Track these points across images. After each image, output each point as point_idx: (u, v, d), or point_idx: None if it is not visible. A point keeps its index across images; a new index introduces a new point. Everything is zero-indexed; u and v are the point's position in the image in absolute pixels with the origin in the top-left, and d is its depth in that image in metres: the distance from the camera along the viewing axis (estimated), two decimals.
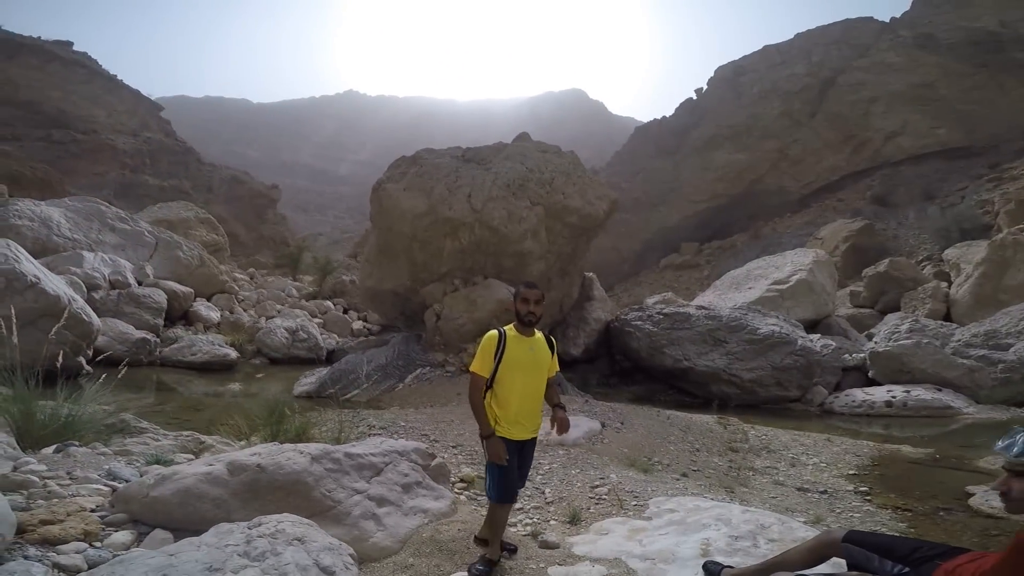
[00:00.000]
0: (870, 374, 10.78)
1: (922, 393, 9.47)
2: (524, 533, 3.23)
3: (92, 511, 2.58)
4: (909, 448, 6.60)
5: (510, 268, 10.63)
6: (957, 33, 30.90)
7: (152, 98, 46.76)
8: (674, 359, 10.66)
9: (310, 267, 24.69)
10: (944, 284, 15.95)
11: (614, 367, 12.19)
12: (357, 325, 17.53)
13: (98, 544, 2.35)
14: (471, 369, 2.81)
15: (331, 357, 13.01)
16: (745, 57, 38.59)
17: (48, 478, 2.91)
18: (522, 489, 3.19)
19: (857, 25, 36.01)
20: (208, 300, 15.65)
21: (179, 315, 13.86)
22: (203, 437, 4.88)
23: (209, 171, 42.21)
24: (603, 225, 11.95)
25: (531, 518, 3.49)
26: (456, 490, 3.73)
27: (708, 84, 39.61)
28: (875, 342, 11.03)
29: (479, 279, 10.75)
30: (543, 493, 3.94)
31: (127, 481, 2.95)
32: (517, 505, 3.67)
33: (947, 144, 29.55)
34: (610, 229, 30.62)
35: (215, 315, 14.91)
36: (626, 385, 11.50)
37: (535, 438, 2.99)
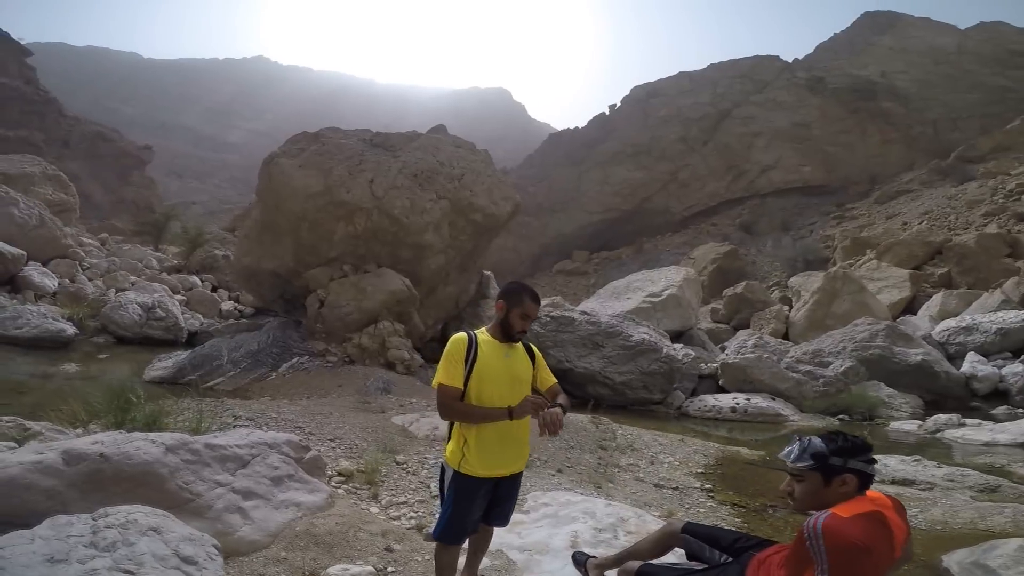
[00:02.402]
0: (720, 382, 12.05)
1: (760, 401, 10.73)
2: (409, 527, 3.23)
3: None
4: (746, 450, 7.34)
5: (407, 259, 10.45)
6: (844, 79, 34.95)
7: (22, 42, 40.12)
8: (557, 360, 11.18)
9: (178, 237, 22.17)
10: (786, 307, 18.37)
11: None
12: (227, 306, 16.11)
13: None
14: (438, 383, 2.29)
15: (193, 340, 11.87)
16: (660, 80, 41.19)
17: None
18: (503, 524, 2.56)
19: (763, 62, 39.40)
20: (44, 265, 13.49)
21: (3, 280, 11.81)
22: (29, 423, 4.22)
23: (70, 124, 36.62)
24: (505, 226, 12.21)
25: (416, 512, 3.50)
26: (333, 484, 3.62)
27: (621, 102, 41.82)
28: (726, 354, 12.41)
29: (372, 267, 10.41)
30: (428, 487, 3.96)
31: None
32: (401, 498, 3.64)
33: (808, 181, 33.40)
34: (512, 230, 31.29)
35: (51, 282, 12.91)
36: None
37: (520, 473, 2.47)
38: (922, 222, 23.64)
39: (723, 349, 14.01)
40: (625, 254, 33.10)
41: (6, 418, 4.30)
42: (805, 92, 35.11)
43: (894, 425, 8.91)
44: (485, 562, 2.76)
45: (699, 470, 6.01)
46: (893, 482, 5.43)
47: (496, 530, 2.59)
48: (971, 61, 35.77)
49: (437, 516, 2.37)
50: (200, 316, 14.02)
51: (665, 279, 15.93)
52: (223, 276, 18.15)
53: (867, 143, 33.30)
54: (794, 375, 11.67)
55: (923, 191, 26.96)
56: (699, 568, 2.23)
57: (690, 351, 13.30)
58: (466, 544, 2.46)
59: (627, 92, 42.33)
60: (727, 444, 7.76)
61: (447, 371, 2.29)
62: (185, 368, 9.24)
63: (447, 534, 2.26)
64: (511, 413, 2.17)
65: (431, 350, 11.72)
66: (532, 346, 2.56)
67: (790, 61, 40.60)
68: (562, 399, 2.38)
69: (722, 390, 11.77)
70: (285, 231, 10.47)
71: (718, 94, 37.36)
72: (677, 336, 14.74)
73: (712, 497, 5.00)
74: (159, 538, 1.75)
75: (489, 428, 2.25)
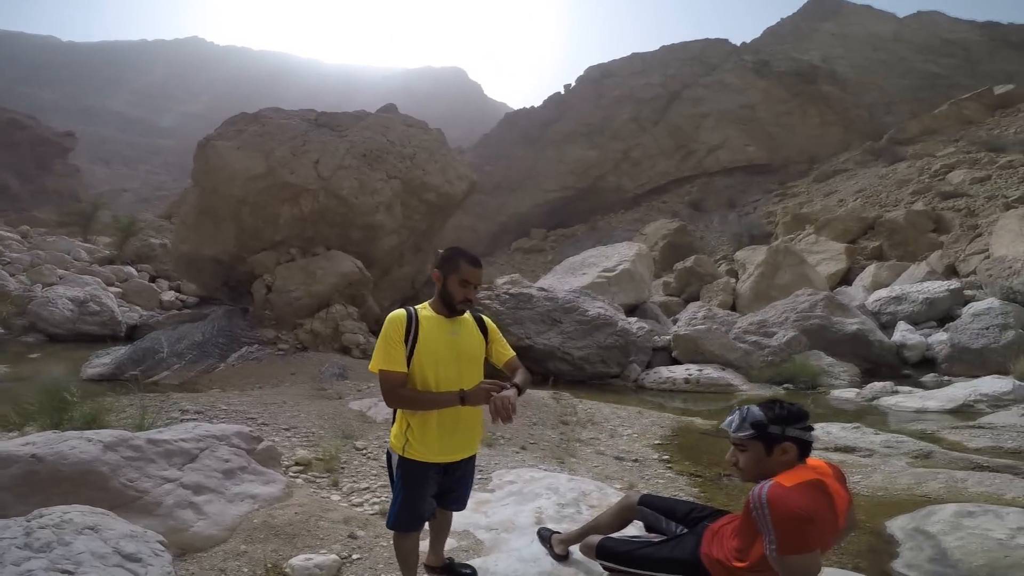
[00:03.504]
0: (673, 354, 12.41)
1: (711, 372, 11.06)
2: (373, 512, 3.18)
3: None
4: (700, 420, 7.53)
5: (358, 240, 10.16)
6: (787, 63, 36.22)
7: None
8: (517, 337, 11.21)
9: (108, 227, 20.76)
10: (733, 280, 19.07)
11: None
12: (168, 296, 15.31)
13: None
14: (376, 368, 2.07)
15: (134, 333, 11.21)
16: (614, 61, 41.28)
17: None
18: (460, 512, 2.50)
19: (713, 45, 40.22)
20: None
21: None
22: None
23: None
24: (461, 205, 12.06)
25: (378, 497, 3.45)
26: (291, 474, 3.51)
27: (576, 82, 41.74)
28: (678, 326, 12.77)
29: (321, 250, 10.07)
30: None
31: None
32: (363, 484, 3.57)
33: (753, 160, 34.69)
34: (469, 209, 31.02)
35: None
36: None
37: (473, 456, 2.30)
38: (856, 199, 24.93)
39: (675, 321, 14.40)
40: (580, 231, 33.48)
41: None
42: (752, 75, 36.13)
43: (835, 393, 9.23)
44: (451, 543, 2.75)
45: (657, 441, 6.15)
46: (837, 449, 5.63)
47: (463, 510, 2.52)
48: (906, 48, 37.77)
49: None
50: (139, 309, 13.28)
51: (618, 255, 16.20)
52: (161, 265, 17.17)
53: (807, 125, 34.69)
54: (742, 345, 12.09)
55: (858, 171, 28.39)
56: (656, 540, 2.26)
57: (644, 324, 13.55)
58: (428, 528, 2.38)
59: (581, 72, 42.44)
60: (682, 415, 7.92)
61: (386, 354, 2.06)
62: (125, 363, 8.75)
63: (400, 522, 2.13)
64: (463, 398, 2.01)
65: None
66: (484, 318, 2.35)
67: (739, 45, 41.67)
68: (520, 376, 2.23)
69: (676, 362, 12.04)
70: (225, 216, 9.95)
71: (669, 76, 37.93)
72: (631, 310, 15.03)
73: (670, 468, 5.11)
74: (97, 536, 1.65)
75: (433, 412, 2.07)
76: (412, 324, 2.09)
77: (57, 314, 10.63)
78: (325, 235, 10.12)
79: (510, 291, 12.02)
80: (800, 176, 31.88)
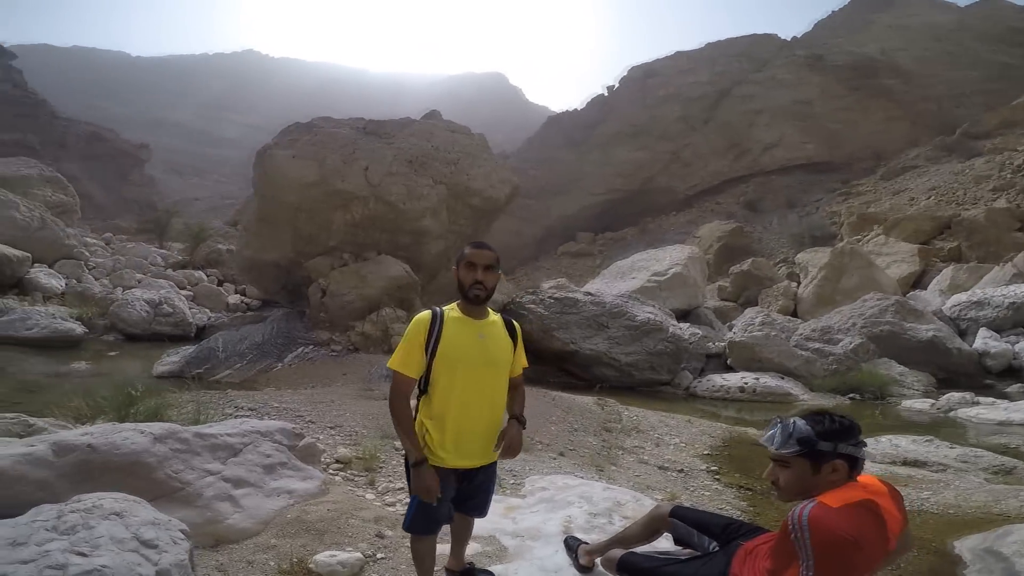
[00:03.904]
0: (728, 361, 11.96)
1: (768, 380, 10.60)
2: (403, 513, 3.16)
3: None
4: (754, 431, 7.17)
5: (406, 245, 10.40)
6: (843, 57, 34.62)
7: (6, 45, 39.81)
8: (563, 342, 11.12)
9: (181, 234, 22.28)
10: (794, 284, 18.18)
11: None
12: (233, 299, 16.18)
13: None
14: (391, 366, 2.04)
15: (202, 334, 11.90)
16: (657, 60, 40.67)
17: None
18: (481, 519, 2.41)
19: (761, 40, 39.18)
20: (50, 267, 13.59)
21: (11, 283, 11.93)
22: (33, 420, 4.25)
23: (64, 126, 36.58)
24: (504, 209, 12.11)
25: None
26: (331, 471, 3.59)
27: (619, 82, 41.32)
28: (733, 333, 12.29)
29: (371, 254, 10.37)
30: None
31: None
32: (398, 484, 3.60)
33: (812, 158, 33.24)
34: (515, 213, 31.18)
35: (58, 283, 13.01)
36: None
37: (492, 464, 2.22)
38: (929, 197, 23.36)
39: (731, 327, 13.89)
40: (630, 234, 32.89)
41: (10, 415, 4.33)
42: (805, 70, 34.74)
43: (906, 404, 8.73)
44: (476, 548, 2.72)
45: (705, 451, 5.91)
46: (905, 463, 5.28)
47: (491, 516, 2.50)
48: (971, 38, 35.20)
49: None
50: (207, 310, 14.08)
51: (670, 258, 15.78)
52: (228, 270, 18.22)
53: (870, 120, 32.97)
54: (803, 353, 11.53)
55: (929, 167, 26.78)
56: (683, 558, 2.11)
57: (697, 330, 13.16)
58: (449, 531, 2.35)
59: (624, 72, 41.87)
60: (735, 425, 7.63)
61: (403, 354, 2.01)
62: (192, 362, 9.29)
63: (416, 525, 2.10)
64: (415, 465, 1.99)
65: None
66: (515, 324, 2.26)
67: (788, 39, 40.09)
68: (518, 401, 2.21)
69: (731, 369, 11.66)
70: (283, 222, 10.45)
71: (717, 73, 36.95)
72: (684, 315, 14.61)
73: (717, 479, 4.89)
74: (120, 522, 1.74)
75: (451, 419, 2.02)
76: (436, 325, 2.03)
77: (134, 315, 11.43)
78: (376, 240, 10.42)
79: (555, 295, 11.94)
80: (865, 174, 30.24)
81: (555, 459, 4.81)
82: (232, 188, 53.99)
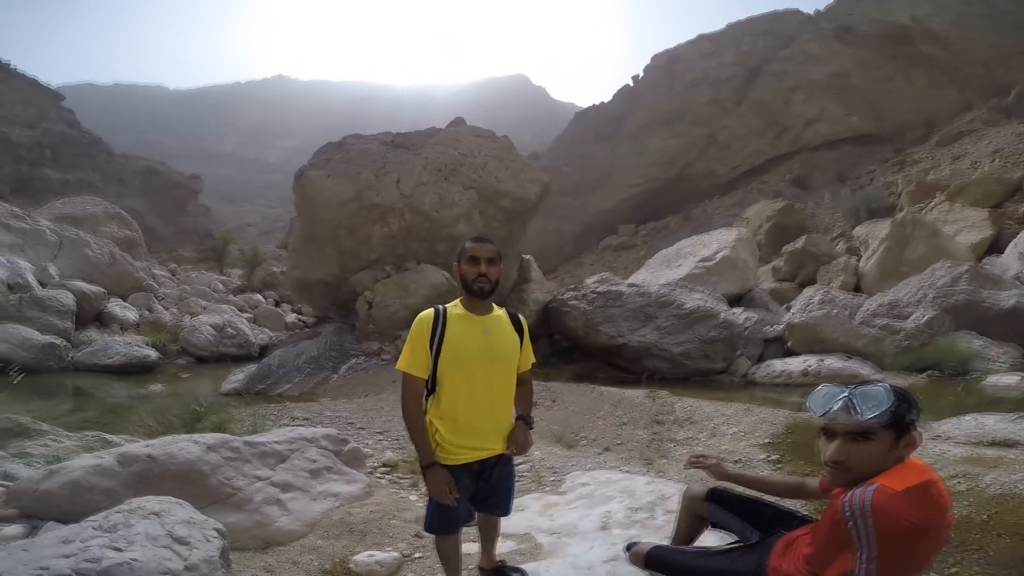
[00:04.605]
0: (788, 345, 11.39)
1: (834, 362, 10.00)
2: None
3: None
4: None
5: (444, 252, 10.54)
6: (872, 26, 33.10)
7: (52, 87, 42.40)
8: (609, 336, 10.95)
9: (238, 260, 23.53)
10: (854, 258, 17.16)
11: (554, 347, 12.40)
12: (290, 318, 16.94)
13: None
14: (399, 368, 2.04)
15: (264, 352, 12.49)
16: (679, 46, 39.71)
17: None
18: (505, 517, 2.38)
19: (784, 16, 37.81)
20: (124, 300, 14.64)
21: (91, 317, 12.93)
22: (109, 436, 4.59)
23: (121, 163, 39.00)
24: (536, 208, 12.06)
25: None
26: (378, 474, 3.68)
27: (644, 71, 40.54)
28: (791, 314, 11.68)
29: (411, 264, 10.59)
30: None
31: None
32: None
33: (858, 131, 31.80)
34: (551, 212, 31.09)
35: (132, 315, 13.97)
36: (566, 364, 11.73)
37: (508, 461, 2.19)
38: (994, 160, 21.67)
39: (788, 309, 13.27)
40: (673, 222, 32.08)
41: (91, 433, 4.71)
42: (835, 42, 33.27)
43: (992, 379, 7.99)
44: (510, 545, 2.69)
45: (765, 440, 5.60)
46: (993, 443, 4.77)
47: (528, 513, 2.55)
48: (1004, 1, 32.50)
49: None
50: (267, 330, 14.78)
51: (716, 242, 15.25)
52: (284, 291, 19.07)
53: (915, 88, 31.23)
54: (870, 330, 10.84)
55: (987, 130, 25.02)
56: (717, 549, 1.93)
57: (752, 314, 12.64)
58: (478, 531, 2.34)
59: (647, 61, 41.04)
60: (799, 411, 7.25)
61: (408, 355, 2.00)
62: (255, 379, 9.77)
63: (436, 525, 2.09)
64: (426, 469, 1.98)
65: None
66: (521, 317, 2.22)
67: (811, 13, 38.37)
68: (526, 400, 2.16)
69: (791, 353, 11.14)
70: (326, 240, 10.83)
71: (742, 52, 35.78)
72: (736, 299, 14.06)
73: (779, 468, 4.68)
74: (158, 521, 1.86)
75: (461, 417, 2.00)
76: (439, 322, 2.01)
77: (202, 339, 12.17)
78: (414, 250, 10.62)
79: (597, 289, 11.78)
80: (919, 142, 28.67)
81: (600, 454, 4.73)
82: (281, 212, 56.53)
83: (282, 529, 2.58)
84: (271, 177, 71.34)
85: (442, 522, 2.07)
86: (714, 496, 2.02)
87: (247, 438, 2.88)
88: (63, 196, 21.96)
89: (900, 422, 1.45)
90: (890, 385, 1.51)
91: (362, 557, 2.41)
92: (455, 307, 2.08)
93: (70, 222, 16.43)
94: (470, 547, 2.42)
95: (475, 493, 2.10)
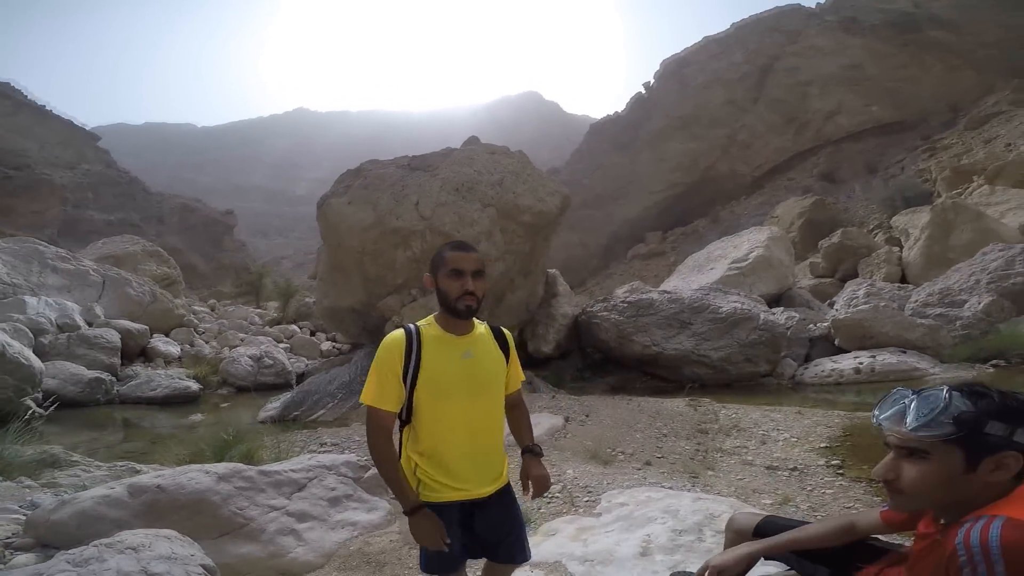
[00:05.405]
0: (836, 342, 10.88)
1: (888, 357, 9.52)
2: None
3: (10, 538, 2.61)
4: None
5: None
6: (876, 16, 32.85)
7: (87, 128, 44.33)
8: (643, 345, 10.62)
9: (272, 292, 24.13)
10: (895, 249, 16.47)
11: (586, 360, 12.11)
12: (325, 346, 17.14)
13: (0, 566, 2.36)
14: (363, 401, 1.71)
15: (301, 380, 12.63)
16: (687, 50, 39.66)
17: None
18: (523, 559, 1.93)
19: (787, 12, 37.65)
20: (166, 335, 15.10)
21: (136, 352, 13.37)
22: (139, 466, 4.61)
23: (158, 201, 40.65)
24: (558, 221, 11.89)
25: None
26: None
27: (655, 78, 40.51)
28: (835, 310, 11.17)
29: None
30: None
31: None
32: None
33: (881, 120, 31.30)
34: (575, 225, 30.99)
35: (175, 349, 14.37)
36: (600, 377, 11.42)
37: (505, 487, 1.84)
38: None
39: (831, 305, 12.71)
40: (701, 226, 31.51)
41: (121, 463, 4.74)
42: (842, 34, 33.17)
43: None
44: (538, 575, 2.44)
45: (822, 444, 5.30)
46: None
47: (560, 538, 2.17)
48: None
49: None
50: (304, 359, 14.98)
51: (748, 242, 14.80)
52: (317, 320, 19.37)
53: (931, 74, 30.68)
54: (922, 321, 10.25)
55: (1016, 111, 24.59)
56: None
57: (793, 313, 12.18)
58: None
59: (656, 68, 41.11)
60: (856, 411, 6.84)
61: (375, 387, 1.66)
62: (290, 406, 9.82)
63: (431, 566, 1.76)
64: (411, 513, 1.63)
65: None
66: (504, 331, 1.89)
67: (814, 7, 38.04)
68: (525, 428, 1.84)
69: (840, 350, 10.65)
70: (351, 267, 10.89)
71: (751, 51, 35.65)
72: (775, 299, 13.57)
73: (841, 475, 4.32)
74: (134, 556, 1.76)
75: (443, 452, 1.69)
76: (413, 348, 1.66)
77: (241, 370, 12.41)
78: None
79: (628, 299, 11.48)
80: (946, 127, 28.06)
81: (639, 470, 4.44)
82: (311, 243, 57.94)
83: (297, 560, 2.46)
84: (300, 209, 73.45)
85: (440, 562, 1.75)
86: (762, 532, 1.65)
87: (262, 467, 2.78)
88: (106, 236, 22.91)
89: (975, 439, 1.12)
90: (963, 388, 1.18)
91: None
92: (429, 327, 1.74)
93: (112, 261, 17.13)
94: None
95: (473, 538, 1.77)
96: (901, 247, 16.45)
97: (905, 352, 9.69)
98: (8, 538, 2.63)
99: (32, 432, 4.58)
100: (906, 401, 1.22)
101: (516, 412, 1.87)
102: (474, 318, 1.78)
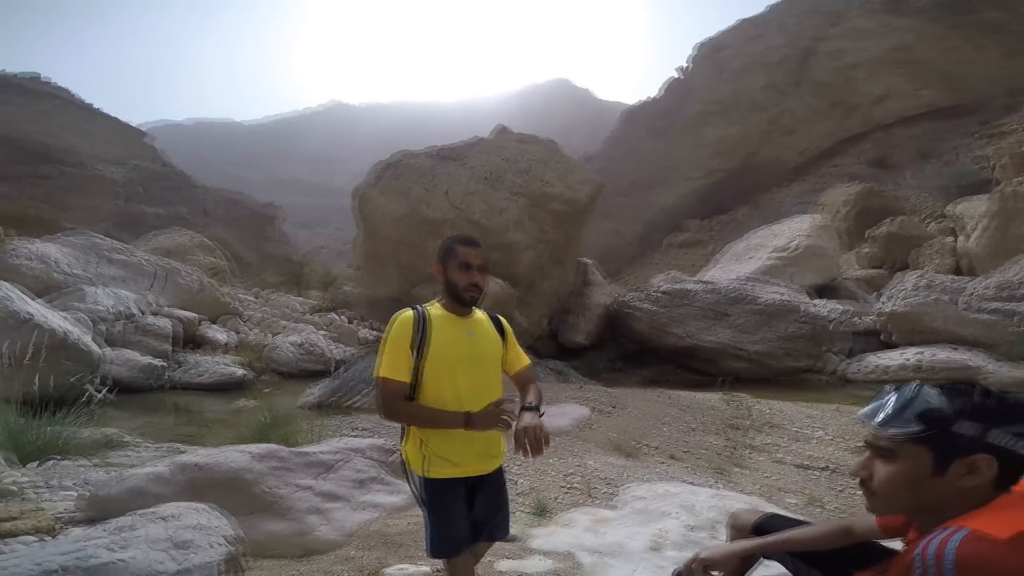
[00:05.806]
0: (883, 336, 10.43)
1: (941, 353, 9.08)
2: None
3: (61, 513, 2.83)
4: None
5: (499, 261, 10.50)
6: None
7: (133, 124, 46.55)
8: (678, 337, 10.46)
9: (313, 281, 24.96)
10: (951, 239, 15.57)
11: (621, 351, 12.02)
12: (363, 333, 17.59)
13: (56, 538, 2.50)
14: (377, 375, 1.81)
15: (339, 367, 13.05)
16: (722, 32, 38.21)
17: (27, 487, 3.23)
18: (504, 535, 2.09)
19: None
20: (214, 323, 15.82)
21: (188, 339, 14.04)
22: (183, 447, 4.91)
23: (203, 194, 42.24)
24: (590, 209, 11.79)
25: None
26: None
27: (690, 62, 39.25)
28: (881, 302, 10.69)
29: None
30: (516, 484, 3.79)
31: None
32: None
33: (935, 104, 29.54)
34: (611, 213, 30.50)
35: (223, 336, 15.04)
36: (635, 368, 11.32)
37: (499, 468, 1.96)
38: None
39: (880, 297, 12.16)
40: (742, 213, 30.50)
41: (165, 444, 5.05)
42: (887, 15, 31.12)
43: None
44: (548, 564, 2.48)
45: (859, 444, 5.14)
46: None
47: (575, 529, 2.28)
48: None
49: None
50: (344, 346, 15.44)
51: (790, 230, 14.28)
52: (357, 308, 19.92)
53: (987, 57, 28.41)
54: (980, 316, 9.68)
55: None
56: None
57: (838, 305, 11.71)
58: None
59: (690, 51, 39.71)
60: None
61: (389, 360, 1.77)
62: (329, 392, 10.12)
63: (439, 549, 1.86)
64: (469, 421, 1.72)
65: (543, 346, 11.67)
66: (501, 318, 2.06)
67: None
68: (534, 393, 1.88)
69: (888, 345, 10.21)
70: (387, 256, 11.13)
71: (790, 34, 33.93)
72: (820, 290, 13.08)
73: None
74: (164, 525, 1.88)
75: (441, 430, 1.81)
76: (422, 326, 1.81)
77: (284, 357, 12.90)
78: None
79: (664, 289, 11.30)
80: (1006, 112, 26.36)
81: (663, 463, 4.41)
82: (350, 234, 59.15)
83: (320, 538, 2.58)
84: (338, 201, 74.89)
85: (448, 543, 1.85)
86: (761, 530, 1.60)
87: (296, 448, 2.93)
88: (156, 228, 24.20)
89: (943, 439, 1.05)
90: (944, 385, 1.10)
91: (393, 570, 2.34)
92: (435, 308, 1.91)
93: (163, 253, 18.09)
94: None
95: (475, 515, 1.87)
96: (956, 237, 15.54)
97: (958, 348, 9.21)
98: (62, 512, 2.83)
99: (90, 415, 4.90)
100: (887, 397, 1.15)
101: (529, 387, 1.96)
102: (474, 307, 1.97)
